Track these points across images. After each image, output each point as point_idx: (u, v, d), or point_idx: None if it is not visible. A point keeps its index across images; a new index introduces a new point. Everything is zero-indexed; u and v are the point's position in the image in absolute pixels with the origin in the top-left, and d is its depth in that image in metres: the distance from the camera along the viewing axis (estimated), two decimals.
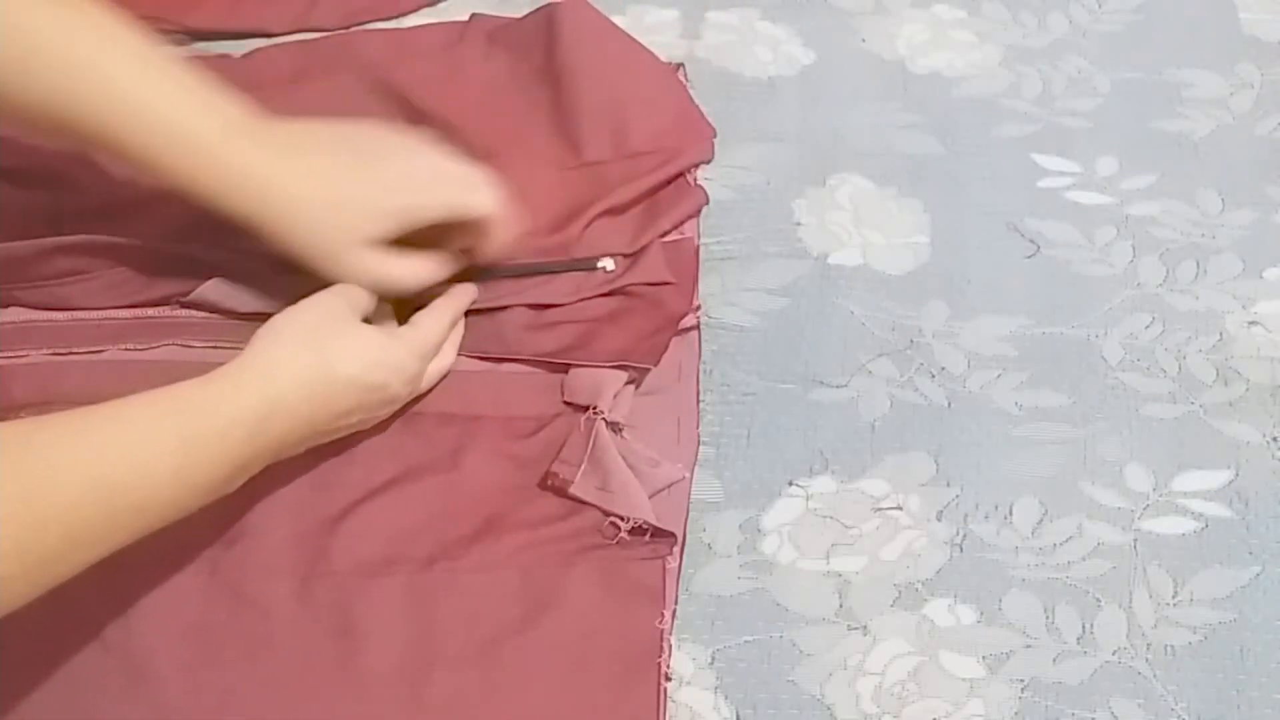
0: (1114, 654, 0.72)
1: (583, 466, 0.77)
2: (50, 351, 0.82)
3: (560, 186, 0.90)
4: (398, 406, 0.78)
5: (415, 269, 0.79)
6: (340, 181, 0.76)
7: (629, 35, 0.99)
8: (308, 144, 0.77)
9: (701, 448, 0.80)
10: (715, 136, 0.95)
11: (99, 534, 0.62)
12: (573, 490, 0.77)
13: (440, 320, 0.80)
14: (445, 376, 0.81)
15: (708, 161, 0.94)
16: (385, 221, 0.76)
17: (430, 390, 0.80)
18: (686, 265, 0.88)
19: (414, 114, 0.93)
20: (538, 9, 1.00)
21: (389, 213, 0.76)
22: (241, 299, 0.83)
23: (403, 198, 0.77)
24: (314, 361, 0.71)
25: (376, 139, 0.79)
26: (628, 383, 0.81)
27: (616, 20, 1.05)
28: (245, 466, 0.69)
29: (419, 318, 0.79)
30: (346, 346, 0.73)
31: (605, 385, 0.80)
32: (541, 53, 0.96)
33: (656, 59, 0.99)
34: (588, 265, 0.86)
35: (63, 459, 0.61)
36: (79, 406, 0.64)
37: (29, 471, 0.60)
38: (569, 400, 0.81)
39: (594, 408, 0.79)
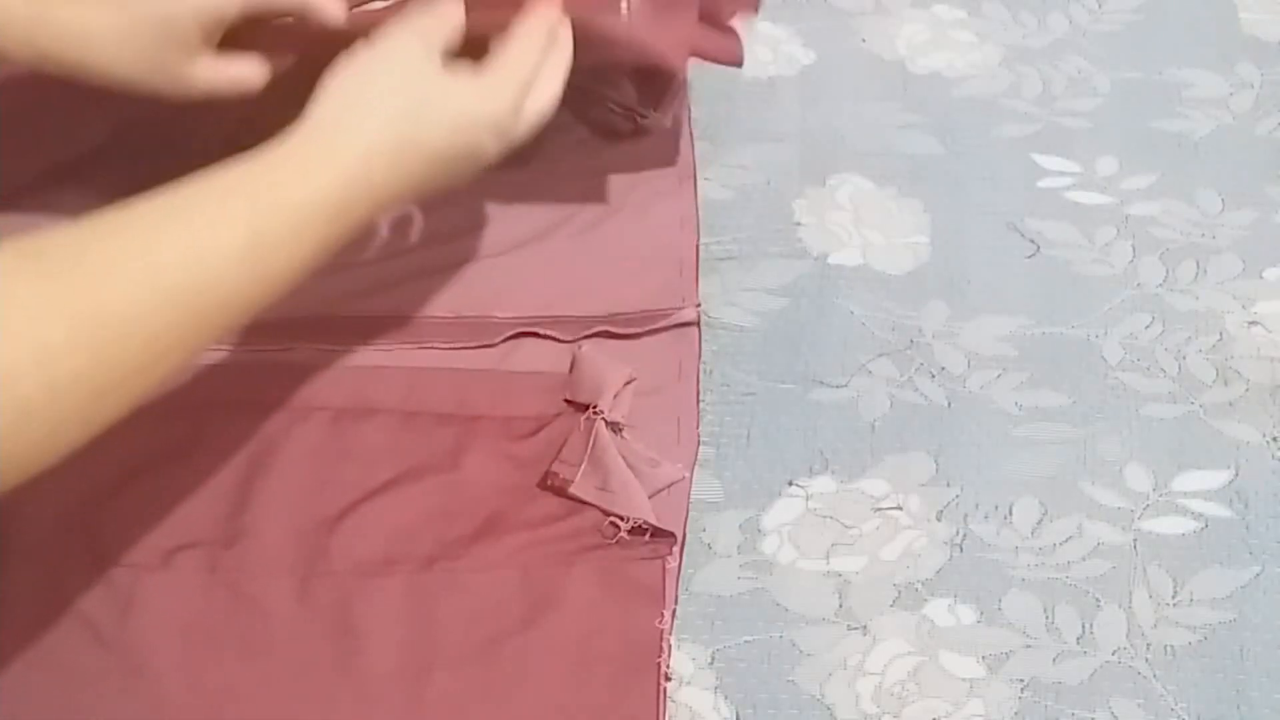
0: (1114, 654, 0.72)
1: (583, 466, 0.77)
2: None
3: None
4: (492, 163, 0.72)
5: (246, 70, 0.77)
6: (133, 9, 0.73)
7: None
8: None
9: (701, 448, 0.80)
10: None
11: (182, 338, 0.59)
12: (573, 490, 0.77)
13: (530, 47, 0.72)
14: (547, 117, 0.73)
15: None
16: (187, 21, 0.74)
17: (528, 135, 0.73)
18: None
19: None
20: None
21: (190, 8, 0.74)
22: None
23: None
24: (400, 136, 0.66)
25: None
26: (627, 382, 0.81)
27: None
28: (326, 251, 0.65)
29: (507, 48, 0.72)
30: (434, 113, 0.67)
31: (606, 384, 0.80)
32: None
33: None
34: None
35: (126, 268, 0.57)
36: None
37: (91, 286, 0.56)
38: (570, 399, 0.81)
39: (594, 407, 0.79)
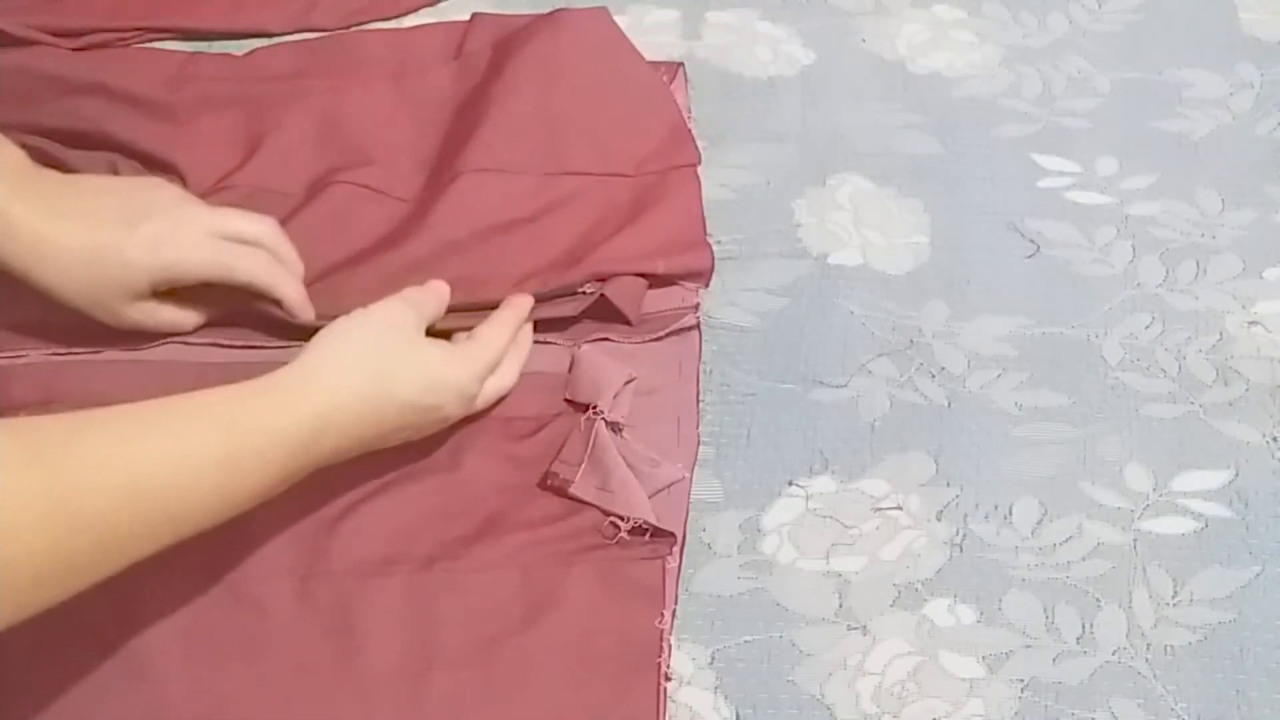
0: (1114, 654, 0.72)
1: (583, 466, 0.77)
2: (49, 351, 0.82)
3: (532, 192, 0.89)
4: (449, 424, 0.77)
5: (180, 318, 0.81)
6: (102, 238, 0.77)
7: (634, 51, 0.98)
8: (75, 199, 0.78)
9: (701, 448, 0.80)
10: (699, 163, 0.94)
11: (134, 541, 0.62)
12: (573, 490, 0.77)
13: (501, 333, 0.80)
14: (503, 398, 0.81)
15: (699, 274, 0.89)
16: (141, 278, 0.78)
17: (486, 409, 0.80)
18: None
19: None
20: (553, 12, 0.99)
21: (146, 270, 0.77)
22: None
23: (163, 258, 0.77)
24: (371, 383, 0.71)
25: (145, 196, 0.80)
26: (627, 382, 0.81)
27: (617, 20, 1.05)
28: (287, 479, 0.69)
29: (480, 331, 0.80)
30: (407, 369, 0.73)
31: (606, 384, 0.80)
32: (541, 58, 0.95)
33: (658, 82, 0.98)
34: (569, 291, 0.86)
35: (104, 464, 0.61)
36: (79, 407, 0.64)
37: (69, 472, 0.60)
38: (570, 398, 0.81)
39: (594, 407, 0.79)
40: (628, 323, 0.84)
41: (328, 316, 0.76)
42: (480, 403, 0.79)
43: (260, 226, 0.81)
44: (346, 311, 0.75)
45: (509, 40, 0.97)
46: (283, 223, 0.84)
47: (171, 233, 0.78)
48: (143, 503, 0.62)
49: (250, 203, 0.86)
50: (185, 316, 0.82)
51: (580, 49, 0.96)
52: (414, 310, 0.77)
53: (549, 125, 0.92)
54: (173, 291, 0.80)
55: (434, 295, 0.80)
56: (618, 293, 0.84)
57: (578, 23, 0.97)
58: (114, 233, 0.77)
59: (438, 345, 0.77)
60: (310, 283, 0.83)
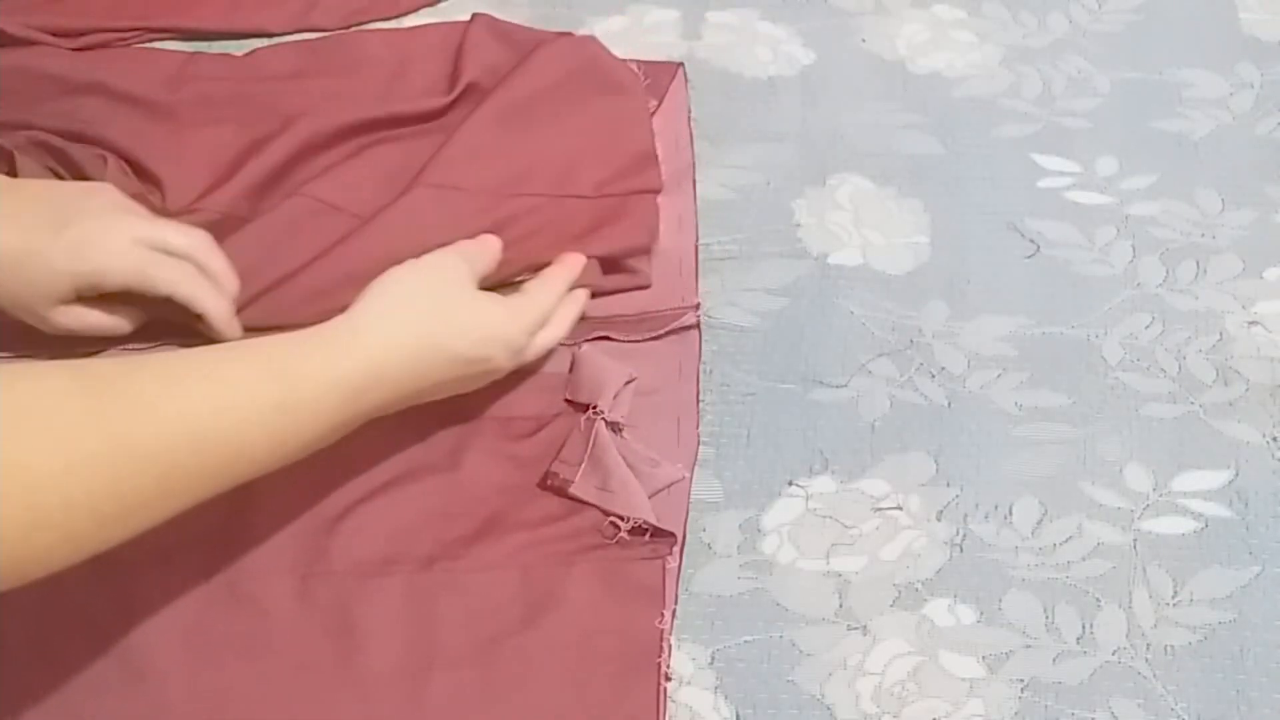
0: (1114, 654, 0.72)
1: (583, 466, 0.77)
2: (50, 352, 0.82)
3: (484, 210, 0.87)
4: (499, 376, 0.79)
5: (109, 323, 0.80)
6: (28, 242, 0.76)
7: (621, 79, 0.96)
8: (9, 204, 0.78)
9: (701, 448, 0.80)
10: (660, 190, 0.93)
11: (192, 481, 0.63)
12: (573, 490, 0.77)
13: (552, 290, 0.82)
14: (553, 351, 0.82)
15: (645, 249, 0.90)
16: (64, 282, 0.77)
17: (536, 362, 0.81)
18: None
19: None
20: (540, 42, 0.98)
21: (69, 274, 0.77)
22: None
23: (84, 264, 0.77)
24: (422, 335, 0.72)
25: (77, 203, 0.79)
26: (627, 382, 0.81)
27: (616, 20, 1.05)
28: (339, 429, 0.70)
29: (531, 286, 0.81)
30: (458, 321, 0.75)
31: (606, 384, 0.80)
32: (519, 83, 0.94)
33: (639, 111, 0.96)
34: None
35: (160, 405, 0.62)
36: None
37: (126, 411, 0.61)
38: (570, 399, 0.81)
39: (594, 407, 0.79)
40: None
41: (261, 329, 0.76)
42: (531, 354, 0.80)
43: (189, 239, 0.80)
44: (281, 325, 0.75)
45: (497, 66, 0.97)
46: (234, 235, 0.84)
47: (97, 239, 0.78)
48: (199, 445, 0.63)
49: (217, 228, 0.85)
50: (115, 322, 0.81)
51: (560, 75, 0.95)
52: (466, 263, 0.78)
53: (514, 147, 0.91)
54: (106, 297, 0.79)
55: (487, 249, 0.81)
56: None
57: (561, 49, 0.96)
58: (40, 237, 0.76)
59: (489, 298, 0.78)
60: (254, 296, 0.82)
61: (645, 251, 0.89)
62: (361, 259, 0.82)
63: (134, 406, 0.61)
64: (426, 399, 0.75)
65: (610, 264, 0.87)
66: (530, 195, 0.89)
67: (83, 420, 0.59)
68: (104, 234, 0.78)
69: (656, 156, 0.94)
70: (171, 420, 0.62)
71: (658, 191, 0.92)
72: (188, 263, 0.80)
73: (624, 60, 0.98)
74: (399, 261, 0.77)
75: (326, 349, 0.69)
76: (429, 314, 0.73)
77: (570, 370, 0.82)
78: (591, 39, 0.98)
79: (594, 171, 0.91)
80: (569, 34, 0.99)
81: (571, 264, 0.84)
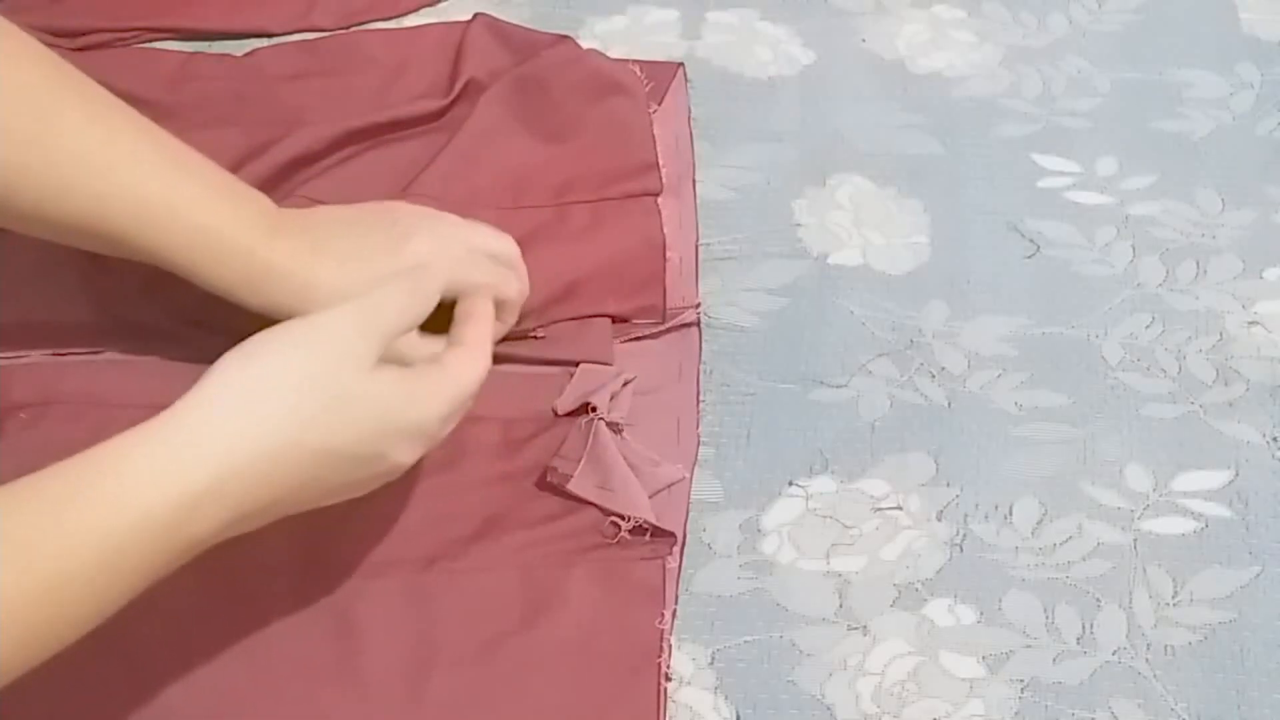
0: (1114, 654, 0.72)
1: (582, 463, 0.77)
2: (50, 351, 0.82)
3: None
4: (400, 473, 0.66)
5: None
6: (370, 272, 0.71)
7: (623, 87, 0.96)
8: (337, 232, 0.74)
9: (701, 448, 0.80)
10: (660, 192, 0.92)
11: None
12: (572, 487, 0.76)
13: (480, 356, 0.68)
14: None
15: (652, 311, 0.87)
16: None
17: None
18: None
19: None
20: (541, 49, 0.98)
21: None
22: None
23: (440, 276, 0.69)
24: (284, 433, 0.58)
25: (399, 220, 0.76)
26: (626, 383, 0.81)
27: (616, 20, 1.05)
28: (169, 566, 0.58)
29: (450, 354, 0.67)
30: (339, 413, 0.59)
31: (604, 384, 0.80)
32: (515, 93, 0.94)
33: (641, 121, 0.95)
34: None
35: None
36: (79, 407, 0.62)
37: None
38: (569, 400, 0.81)
39: (592, 407, 0.79)
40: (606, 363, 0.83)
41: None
42: (448, 433, 0.67)
43: (507, 244, 0.78)
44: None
45: (497, 68, 0.97)
46: None
47: (438, 253, 0.73)
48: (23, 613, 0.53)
49: None
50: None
51: (558, 78, 0.95)
52: (366, 324, 0.62)
53: (512, 159, 0.91)
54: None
55: (418, 292, 0.66)
56: (582, 345, 0.83)
57: (558, 55, 0.96)
58: (381, 264, 0.71)
59: (389, 378, 0.62)
60: None
61: (656, 273, 0.88)
62: None
63: None
64: (287, 514, 0.61)
65: (619, 285, 0.86)
66: (530, 208, 0.89)
67: None
68: (443, 246, 0.74)
69: (658, 164, 0.93)
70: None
71: (657, 193, 0.92)
72: (512, 270, 0.78)
73: (624, 62, 0.98)
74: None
75: (149, 476, 0.55)
76: (295, 411, 0.58)
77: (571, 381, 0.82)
78: (593, 52, 0.98)
79: (593, 178, 0.91)
80: (567, 37, 0.99)
81: (485, 311, 0.72)
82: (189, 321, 0.81)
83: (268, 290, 0.72)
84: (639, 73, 0.98)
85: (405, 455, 0.64)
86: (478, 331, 0.70)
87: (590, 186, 0.91)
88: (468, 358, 0.67)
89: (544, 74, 0.95)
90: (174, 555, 0.57)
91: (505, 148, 0.92)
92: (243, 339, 0.61)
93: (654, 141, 0.94)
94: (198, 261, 0.72)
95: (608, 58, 0.98)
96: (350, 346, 0.61)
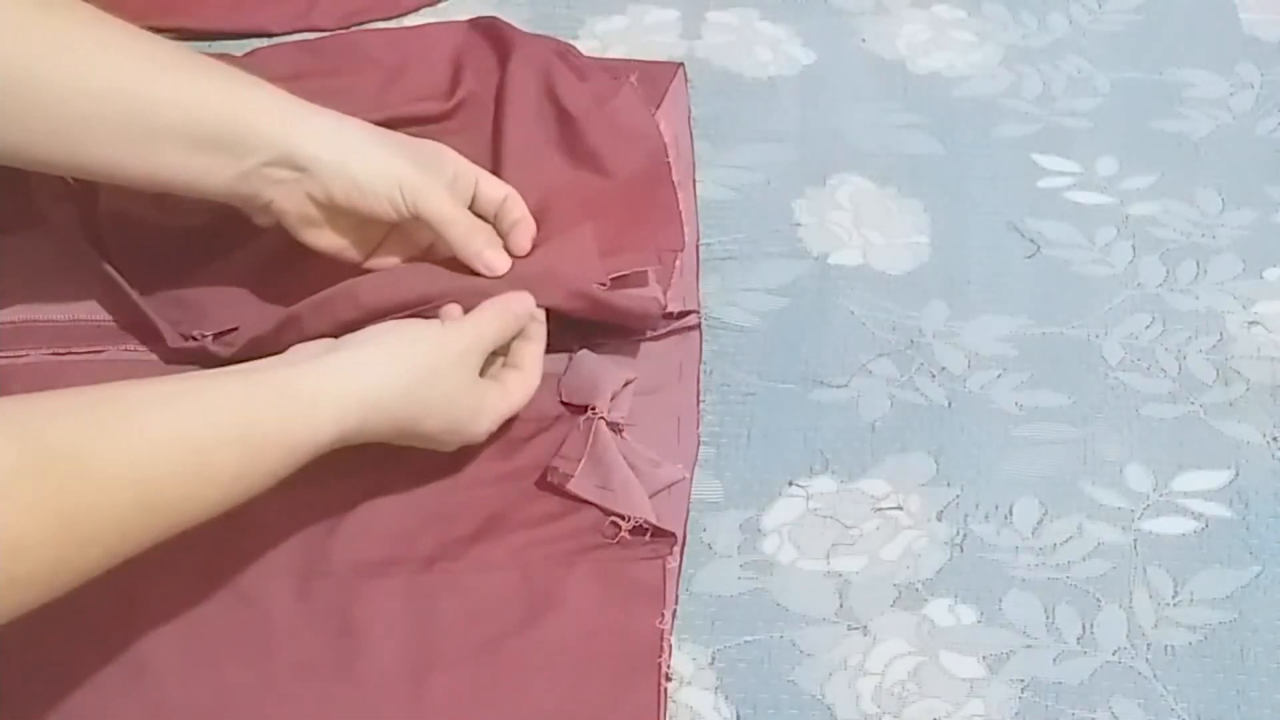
0: (1114, 654, 0.72)
1: (582, 463, 0.77)
2: (50, 351, 0.82)
3: None
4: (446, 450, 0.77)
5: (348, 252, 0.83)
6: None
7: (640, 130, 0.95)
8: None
9: (701, 448, 0.80)
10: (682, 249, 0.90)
11: (140, 544, 0.62)
12: (572, 487, 0.76)
13: (535, 373, 0.79)
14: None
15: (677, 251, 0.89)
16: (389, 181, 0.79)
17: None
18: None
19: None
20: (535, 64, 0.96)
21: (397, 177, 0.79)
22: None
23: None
24: (404, 420, 0.71)
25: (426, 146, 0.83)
26: (626, 382, 0.81)
27: (616, 20, 1.05)
28: (279, 478, 0.68)
29: (512, 378, 0.78)
30: (444, 407, 0.73)
31: (603, 385, 0.80)
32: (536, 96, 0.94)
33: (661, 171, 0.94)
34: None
35: (114, 480, 0.60)
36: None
37: (79, 489, 0.59)
38: (566, 401, 0.81)
39: (592, 407, 0.79)
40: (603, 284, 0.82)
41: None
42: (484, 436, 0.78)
43: (502, 189, 0.84)
44: (281, 337, 0.77)
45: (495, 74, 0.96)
46: (233, 236, 0.85)
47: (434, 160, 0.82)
48: (153, 515, 0.62)
49: (215, 230, 0.85)
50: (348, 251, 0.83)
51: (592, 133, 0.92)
52: (479, 344, 0.76)
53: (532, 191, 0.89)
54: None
55: (509, 319, 0.78)
56: (566, 257, 0.83)
57: (589, 96, 0.94)
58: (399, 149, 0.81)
59: (479, 390, 0.76)
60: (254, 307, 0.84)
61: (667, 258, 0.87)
62: (369, 288, 0.81)
63: (85, 482, 0.59)
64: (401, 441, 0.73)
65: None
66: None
67: (31, 502, 0.57)
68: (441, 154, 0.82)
69: (680, 214, 0.91)
70: (127, 495, 0.60)
71: (680, 250, 0.89)
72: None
73: (628, 67, 0.98)
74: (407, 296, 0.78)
75: (295, 414, 0.67)
76: (420, 398, 0.72)
77: (568, 371, 0.82)
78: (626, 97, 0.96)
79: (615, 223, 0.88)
80: (570, 45, 0.99)
81: (540, 334, 0.80)
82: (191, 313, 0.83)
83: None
84: (635, 82, 0.96)
85: (451, 446, 0.76)
86: (534, 353, 0.79)
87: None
88: (523, 382, 0.78)
89: (580, 125, 0.92)
90: (314, 447, 0.68)
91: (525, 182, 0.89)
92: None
93: (677, 199, 0.92)
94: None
95: (638, 105, 0.96)
96: (463, 361, 0.74)
